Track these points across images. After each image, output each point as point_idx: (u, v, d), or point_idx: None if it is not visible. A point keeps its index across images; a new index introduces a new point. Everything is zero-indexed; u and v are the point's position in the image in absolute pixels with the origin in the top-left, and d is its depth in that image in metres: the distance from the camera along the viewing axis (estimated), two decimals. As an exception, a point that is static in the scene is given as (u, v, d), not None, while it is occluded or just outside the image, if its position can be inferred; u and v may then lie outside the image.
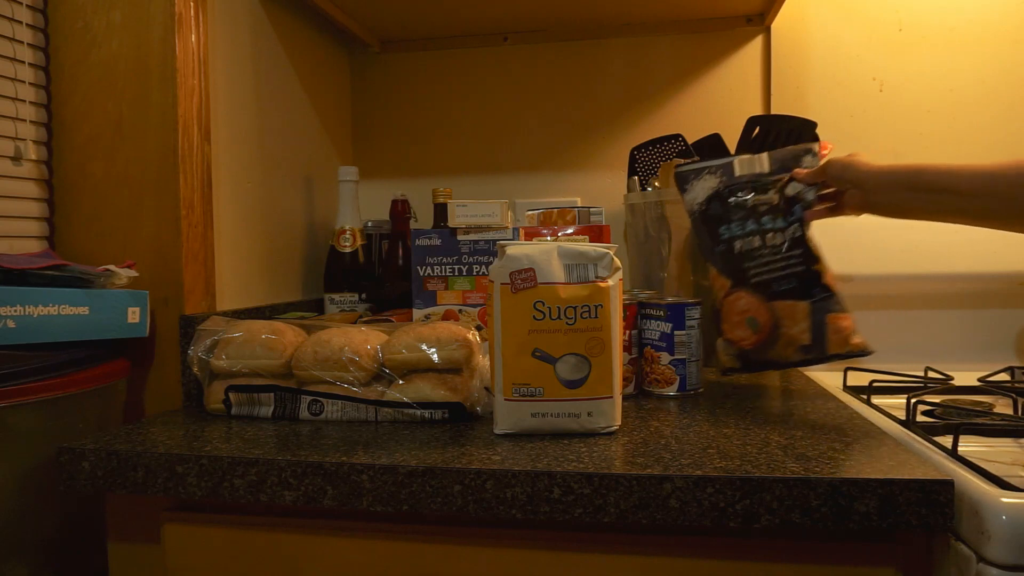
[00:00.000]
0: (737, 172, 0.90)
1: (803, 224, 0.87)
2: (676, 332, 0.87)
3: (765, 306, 0.86)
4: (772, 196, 0.88)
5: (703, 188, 0.91)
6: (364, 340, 0.80)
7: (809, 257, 0.86)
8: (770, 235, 0.87)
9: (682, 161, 1.05)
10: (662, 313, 0.88)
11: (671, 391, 0.88)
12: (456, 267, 1.00)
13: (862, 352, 0.81)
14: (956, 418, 0.77)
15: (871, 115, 1.26)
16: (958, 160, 1.22)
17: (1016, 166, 0.68)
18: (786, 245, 0.86)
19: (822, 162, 0.84)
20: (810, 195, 0.88)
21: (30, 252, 0.88)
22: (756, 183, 0.89)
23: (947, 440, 0.67)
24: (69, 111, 0.92)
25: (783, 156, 0.89)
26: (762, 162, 0.89)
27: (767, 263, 0.87)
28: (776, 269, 0.86)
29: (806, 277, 0.86)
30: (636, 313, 0.89)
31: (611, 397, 0.71)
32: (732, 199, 0.89)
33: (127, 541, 0.74)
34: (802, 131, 0.99)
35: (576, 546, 0.63)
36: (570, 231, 0.96)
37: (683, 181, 0.93)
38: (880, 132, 1.25)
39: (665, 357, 0.88)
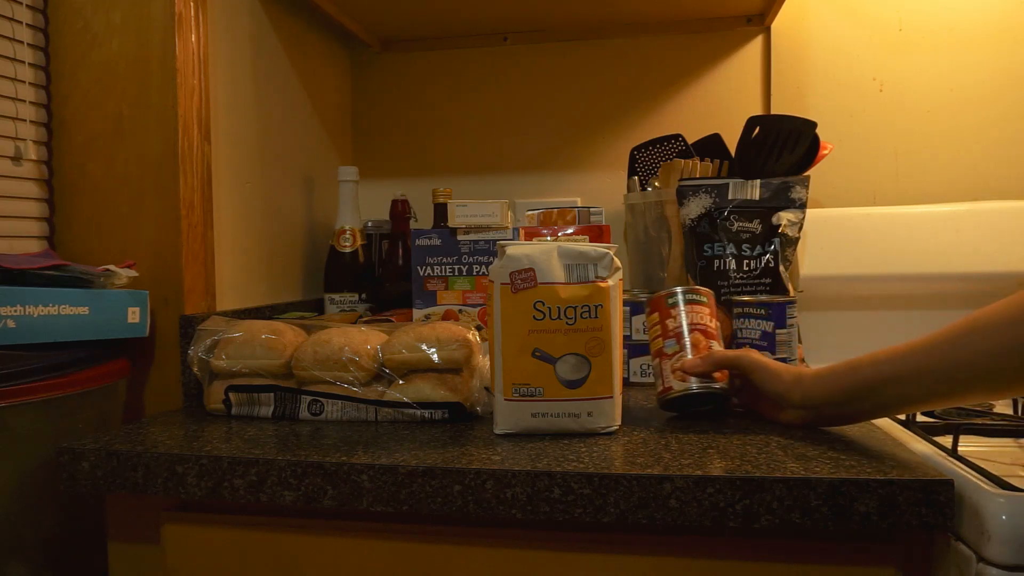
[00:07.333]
0: (730, 195, 0.97)
1: (777, 256, 0.94)
2: (778, 331, 0.82)
3: (728, 320, 0.94)
4: (755, 225, 0.95)
5: (697, 205, 0.97)
6: (364, 340, 0.80)
7: (777, 287, 0.94)
8: (746, 261, 0.95)
9: (683, 163, 1.06)
10: (763, 312, 0.84)
11: None
12: (456, 267, 1.00)
13: None
14: (956, 418, 0.78)
15: (871, 115, 1.26)
16: (959, 158, 1.23)
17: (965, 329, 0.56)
18: (758, 272, 0.94)
19: (739, 352, 0.73)
20: (792, 231, 0.94)
21: (30, 252, 0.88)
22: (744, 210, 0.96)
23: (947, 440, 0.67)
24: (69, 111, 0.92)
25: (773, 186, 0.96)
26: (754, 189, 0.95)
27: (738, 285, 0.95)
28: (745, 292, 0.95)
29: None
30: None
31: (611, 397, 0.71)
32: (720, 220, 0.96)
33: (127, 541, 0.74)
34: (802, 131, 0.99)
35: (576, 546, 0.63)
36: (570, 231, 0.96)
37: (681, 196, 0.99)
38: (880, 132, 1.25)
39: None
